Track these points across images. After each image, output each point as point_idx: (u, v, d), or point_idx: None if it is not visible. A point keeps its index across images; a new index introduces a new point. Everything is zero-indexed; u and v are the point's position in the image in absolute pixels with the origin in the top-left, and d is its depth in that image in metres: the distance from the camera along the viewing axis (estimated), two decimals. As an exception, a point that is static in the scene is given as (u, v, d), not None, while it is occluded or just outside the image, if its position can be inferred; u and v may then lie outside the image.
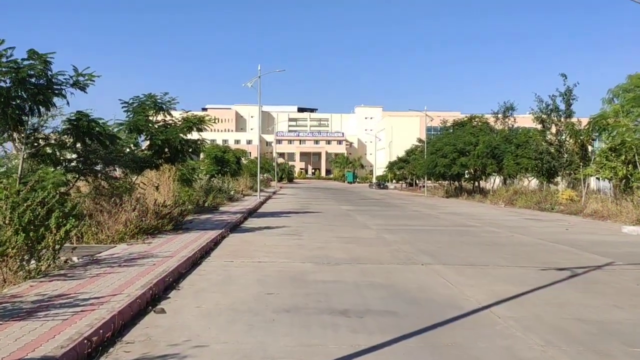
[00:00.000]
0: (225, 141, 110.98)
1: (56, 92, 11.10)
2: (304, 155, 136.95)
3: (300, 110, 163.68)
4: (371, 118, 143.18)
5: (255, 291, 7.42)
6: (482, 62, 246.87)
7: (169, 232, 12.78)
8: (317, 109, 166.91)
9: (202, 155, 38.03)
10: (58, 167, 11.72)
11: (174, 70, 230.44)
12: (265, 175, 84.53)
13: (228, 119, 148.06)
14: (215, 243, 11.99)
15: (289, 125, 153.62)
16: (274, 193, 46.90)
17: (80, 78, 11.51)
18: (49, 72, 11.00)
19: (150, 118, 17.36)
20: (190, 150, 18.18)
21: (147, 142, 17.19)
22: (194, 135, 18.46)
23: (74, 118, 11.69)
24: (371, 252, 11.59)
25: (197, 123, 17.91)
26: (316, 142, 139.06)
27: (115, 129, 16.24)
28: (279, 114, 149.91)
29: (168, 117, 17.84)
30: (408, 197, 46.11)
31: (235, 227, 15.86)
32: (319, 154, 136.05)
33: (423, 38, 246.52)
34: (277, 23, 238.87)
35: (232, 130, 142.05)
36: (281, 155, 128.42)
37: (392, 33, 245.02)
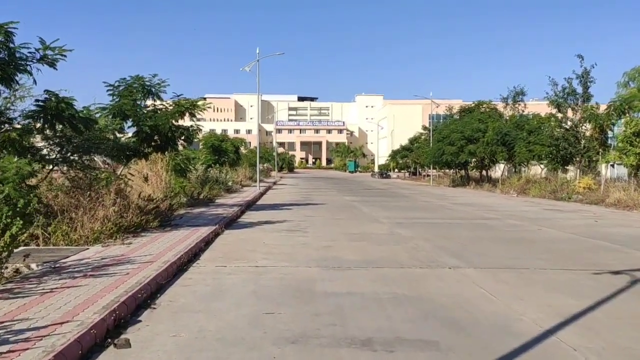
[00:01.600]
0: (224, 131, 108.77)
1: (20, 68, 9.53)
2: (305, 145, 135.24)
3: (301, 99, 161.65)
4: (372, 107, 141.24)
5: (250, 310, 5.88)
6: (485, 49, 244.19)
7: (155, 230, 11.22)
8: (317, 98, 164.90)
9: (200, 145, 36.52)
10: (24, 157, 10.13)
11: (172, 59, 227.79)
12: (265, 165, 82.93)
13: (227, 109, 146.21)
14: (206, 242, 10.44)
15: (289, 115, 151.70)
16: (274, 183, 45.36)
17: (49, 52, 9.89)
18: (11, 45, 9.43)
19: (139, 102, 15.85)
20: (183, 137, 16.62)
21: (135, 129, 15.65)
22: (187, 122, 16.92)
23: (41, 99, 10.12)
24: (386, 251, 10.04)
25: (190, 108, 16.23)
26: (317, 131, 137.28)
27: (97, 114, 14.67)
28: (278, 103, 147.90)
29: (158, 102, 16.30)
30: (413, 186, 44.52)
31: (231, 223, 14.31)
32: (319, 144, 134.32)
33: (423, 26, 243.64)
34: (277, 11, 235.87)
35: (231, 120, 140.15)
36: (281, 144, 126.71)
37: (392, 20, 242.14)
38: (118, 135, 15.65)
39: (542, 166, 35.73)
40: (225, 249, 10.12)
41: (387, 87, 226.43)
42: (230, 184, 28.28)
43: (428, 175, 61.63)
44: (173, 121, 15.88)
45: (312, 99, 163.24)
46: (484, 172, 42.00)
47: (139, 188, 17.51)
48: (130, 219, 10.58)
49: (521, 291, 6.92)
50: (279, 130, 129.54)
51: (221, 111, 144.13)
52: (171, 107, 16.01)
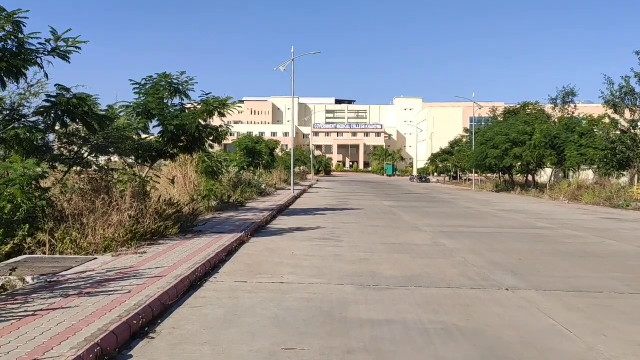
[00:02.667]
0: (262, 133, 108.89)
1: (30, 60, 8.77)
2: (342, 148, 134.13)
3: (338, 102, 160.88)
4: (411, 109, 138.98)
5: (267, 343, 4.80)
6: (527, 50, 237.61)
7: (176, 237, 10.29)
8: (355, 101, 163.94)
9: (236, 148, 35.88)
10: (33, 156, 9.39)
11: (211, 63, 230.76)
12: (301, 168, 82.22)
13: (265, 111, 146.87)
14: (229, 252, 9.44)
15: (327, 118, 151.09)
16: (310, 187, 44.36)
17: (61, 44, 9.15)
18: (20, 35, 8.70)
19: (165, 101, 15.13)
20: (212, 138, 15.81)
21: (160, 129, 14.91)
22: (217, 122, 16.12)
23: (53, 94, 9.36)
24: (430, 266, 8.81)
25: (219, 107, 15.37)
26: (354, 134, 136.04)
27: (121, 112, 14.01)
28: (316, 106, 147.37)
29: (186, 101, 15.53)
30: (454, 191, 42.71)
31: (259, 229, 13.30)
32: (357, 147, 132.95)
33: (463, 27, 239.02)
34: (315, 13, 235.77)
35: (268, 123, 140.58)
36: (318, 147, 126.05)
37: (431, 23, 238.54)
38: (143, 135, 14.97)
39: (592, 171, 33.61)
40: (249, 260, 9.09)
41: (426, 90, 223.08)
42: (263, 187, 27.40)
43: (469, 180, 59.56)
44: (201, 121, 15.14)
45: (349, 102, 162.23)
46: (529, 177, 39.92)
47: (164, 191, 16.82)
48: (147, 225, 9.68)
49: (601, 323, 5.61)
50: (316, 133, 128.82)
51: (258, 114, 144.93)
52: (199, 107, 15.24)
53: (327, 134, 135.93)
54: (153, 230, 9.77)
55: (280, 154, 57.71)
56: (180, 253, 8.63)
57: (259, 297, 6.50)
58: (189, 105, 15.35)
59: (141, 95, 14.64)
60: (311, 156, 75.51)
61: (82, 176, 11.17)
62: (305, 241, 11.46)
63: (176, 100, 15.34)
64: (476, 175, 50.85)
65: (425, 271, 8.35)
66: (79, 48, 9.47)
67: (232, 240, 10.18)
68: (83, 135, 10.69)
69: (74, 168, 11.20)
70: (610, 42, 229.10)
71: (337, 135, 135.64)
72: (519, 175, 41.20)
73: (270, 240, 11.46)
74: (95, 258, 7.99)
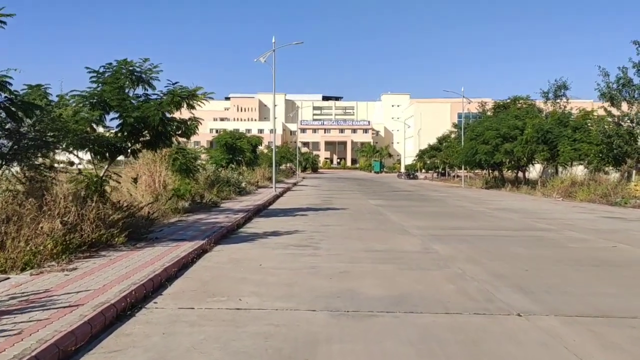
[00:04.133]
0: (248, 130, 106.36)
1: None
2: (329, 145, 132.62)
3: (325, 98, 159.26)
4: (398, 106, 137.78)
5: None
6: (515, 46, 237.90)
7: (124, 247, 8.74)
8: (342, 97, 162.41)
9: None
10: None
11: (196, 59, 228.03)
12: (288, 165, 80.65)
13: (251, 108, 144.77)
14: (183, 266, 7.90)
15: (314, 114, 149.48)
16: (295, 184, 42.83)
17: (-25, 15, 7.58)
18: None
19: (127, 91, 13.58)
20: (179, 132, 14.24)
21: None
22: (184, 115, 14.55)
23: (-34, 76, 7.77)
24: (422, 280, 7.36)
25: (187, 97, 13.80)
26: (341, 130, 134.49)
27: (72, 102, 12.41)
28: (303, 102, 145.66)
29: (150, 91, 13.97)
30: (443, 188, 41.45)
31: (228, 234, 11.77)
32: (344, 143, 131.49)
33: (448, 23, 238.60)
34: (300, 9, 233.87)
35: (255, 120, 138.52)
36: (305, 144, 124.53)
37: (418, 17, 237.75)
38: (101, 129, 13.39)
39: (583, 166, 32.48)
40: (206, 275, 7.57)
41: (414, 87, 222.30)
42: (243, 185, 25.83)
43: (458, 176, 58.36)
44: (167, 113, 13.60)
45: (336, 99, 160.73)
46: (519, 174, 38.74)
47: (128, 192, 15.23)
48: (87, 234, 8.12)
49: (654, 370, 4.18)
50: (303, 130, 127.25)
51: (245, 111, 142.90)
52: (165, 97, 13.67)
53: (314, 130, 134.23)
54: (93, 240, 8.19)
55: (265, 151, 56.06)
56: (119, 269, 7.08)
57: (203, 333, 4.99)
58: (155, 97, 13.76)
59: (99, 85, 13.11)
60: (297, 153, 73.94)
61: (23, 175, 9.61)
62: (279, 249, 9.96)
63: (140, 91, 13.81)
64: (464, 171, 49.67)
65: (417, 288, 6.89)
66: (4, 22, 7.95)
67: (190, 250, 8.65)
68: (14, 127, 9.07)
69: (8, 165, 9.58)
70: (602, 34, 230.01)
71: (325, 132, 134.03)
72: (509, 171, 40.00)
73: (238, 249, 9.93)
74: (8, 278, 6.42)
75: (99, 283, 6.24)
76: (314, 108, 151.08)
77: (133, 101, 13.24)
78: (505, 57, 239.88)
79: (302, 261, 8.75)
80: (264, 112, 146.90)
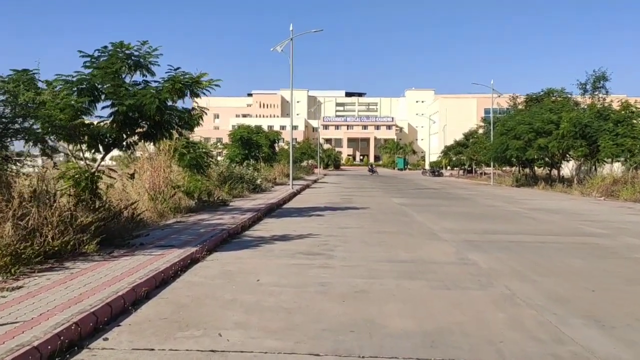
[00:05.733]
0: (270, 127, 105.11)
1: None
2: (352, 141, 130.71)
3: (348, 94, 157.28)
4: (422, 102, 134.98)
5: None
6: (542, 42, 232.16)
7: (97, 256, 7.27)
8: (365, 94, 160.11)
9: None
10: None
11: (219, 56, 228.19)
12: (309, 162, 79.08)
13: (274, 105, 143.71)
14: (160, 282, 6.37)
15: (337, 111, 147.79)
16: (315, 181, 41.25)
17: None
18: None
19: (123, 76, 12.22)
20: (181, 123, 12.84)
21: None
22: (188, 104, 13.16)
23: None
24: (462, 305, 5.71)
25: (190, 85, 12.36)
26: (364, 127, 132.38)
27: (57, 88, 11.06)
28: (325, 98, 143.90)
29: (150, 78, 12.59)
30: (471, 186, 39.35)
31: (230, 238, 10.23)
32: (367, 140, 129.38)
33: (476, 18, 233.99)
34: (325, 5, 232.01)
35: (277, 116, 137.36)
36: (328, 141, 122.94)
37: (443, 13, 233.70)
38: (91, 119, 12.02)
39: (620, 164, 30.19)
40: (187, 295, 6.03)
41: (438, 82, 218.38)
42: (259, 181, 24.35)
43: (485, 174, 56.00)
44: (163, 100, 12.21)
45: (360, 95, 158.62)
46: (553, 171, 36.47)
47: (130, 189, 13.85)
48: (44, 241, 6.65)
49: None
50: (325, 127, 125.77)
51: (267, 107, 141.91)
52: (167, 84, 12.24)
53: (337, 127, 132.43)
54: (55, 249, 6.72)
55: (285, 147, 54.65)
56: (75, 287, 5.59)
57: (150, 396, 3.43)
58: (155, 85, 12.33)
59: (93, 70, 11.78)
60: (318, 149, 72.38)
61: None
62: (284, 257, 8.39)
63: (139, 78, 12.43)
64: (491, 169, 47.38)
65: (457, 319, 5.24)
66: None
67: (175, 260, 7.13)
68: None
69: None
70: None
71: (347, 129, 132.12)
72: (543, 168, 37.69)
73: (236, 258, 8.38)
74: None
75: (37, 310, 4.75)
76: (337, 104, 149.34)
77: (129, 88, 11.88)
78: (533, 54, 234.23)
79: (311, 275, 7.16)
80: (286, 109, 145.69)
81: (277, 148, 42.70)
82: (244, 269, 7.50)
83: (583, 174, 34.20)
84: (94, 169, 12.00)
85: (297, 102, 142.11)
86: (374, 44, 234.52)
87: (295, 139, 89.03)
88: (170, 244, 8.48)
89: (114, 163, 19.09)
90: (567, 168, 37.54)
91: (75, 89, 11.15)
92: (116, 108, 11.41)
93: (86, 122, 11.56)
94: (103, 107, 11.66)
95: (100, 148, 12.17)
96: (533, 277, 7.28)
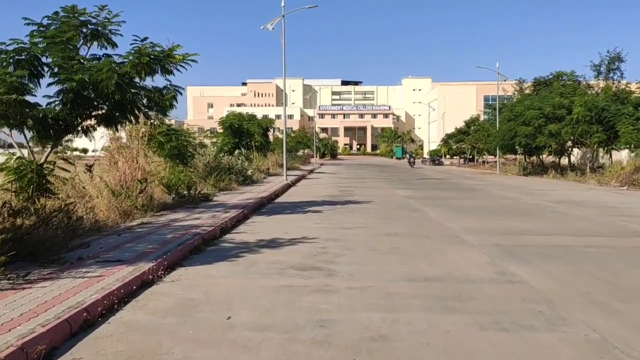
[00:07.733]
0: (265, 116, 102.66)
1: None
2: (349, 130, 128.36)
3: (344, 83, 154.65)
4: (420, 90, 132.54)
5: None
6: (539, 30, 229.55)
7: (3, 280, 5.19)
8: (361, 82, 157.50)
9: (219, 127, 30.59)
10: None
11: (213, 46, 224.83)
12: (305, 151, 76.87)
13: (269, 94, 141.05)
14: (80, 327, 4.30)
15: (333, 99, 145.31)
16: (311, 171, 39.10)
17: None
18: None
19: (77, 46, 10.23)
20: (150, 104, 10.78)
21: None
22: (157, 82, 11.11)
23: None
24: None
25: (160, 59, 10.27)
26: (361, 116, 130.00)
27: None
28: (321, 87, 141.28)
29: (111, 51, 10.55)
30: (476, 175, 37.27)
31: (202, 246, 8.12)
32: (364, 129, 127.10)
33: (474, 2, 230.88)
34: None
35: (272, 105, 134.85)
36: (324, 130, 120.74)
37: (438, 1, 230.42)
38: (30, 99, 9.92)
39: (628, 151, 28.23)
40: (110, 353, 3.95)
41: (435, 70, 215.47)
42: (249, 173, 22.25)
43: (487, 162, 53.91)
44: (134, 78, 10.24)
45: (356, 83, 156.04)
46: (564, 159, 34.46)
47: (92, 183, 11.72)
48: None
49: None
50: (321, 115, 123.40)
51: (262, 96, 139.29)
52: (132, 58, 10.14)
53: (333, 115, 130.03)
54: None
55: (280, 136, 52.42)
56: None
57: None
58: (120, 60, 10.21)
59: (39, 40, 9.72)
60: (314, 138, 70.21)
61: None
62: (270, 275, 6.31)
63: (98, 51, 10.37)
64: (493, 157, 45.33)
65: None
66: None
67: (113, 288, 5.06)
68: None
69: None
70: None
71: (344, 117, 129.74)
72: (552, 156, 35.67)
73: (206, 276, 6.29)
74: None
75: None
76: (333, 93, 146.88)
77: (83, 62, 9.77)
78: (535, 41, 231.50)
79: (305, 306, 5.10)
80: (281, 98, 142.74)
81: (271, 137, 40.53)
82: (213, 296, 5.42)
83: (593, 162, 32.27)
84: (42, 160, 9.94)
85: (293, 91, 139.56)
86: (370, 30, 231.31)
87: (291, 128, 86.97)
88: (119, 258, 6.39)
89: (102, 154, 16.93)
90: (574, 156, 35.61)
91: (12, 60, 9.05)
92: (65, 85, 9.33)
93: (31, 102, 9.48)
94: (49, 84, 9.59)
95: (51, 134, 10.11)
96: (614, 304, 5.25)
